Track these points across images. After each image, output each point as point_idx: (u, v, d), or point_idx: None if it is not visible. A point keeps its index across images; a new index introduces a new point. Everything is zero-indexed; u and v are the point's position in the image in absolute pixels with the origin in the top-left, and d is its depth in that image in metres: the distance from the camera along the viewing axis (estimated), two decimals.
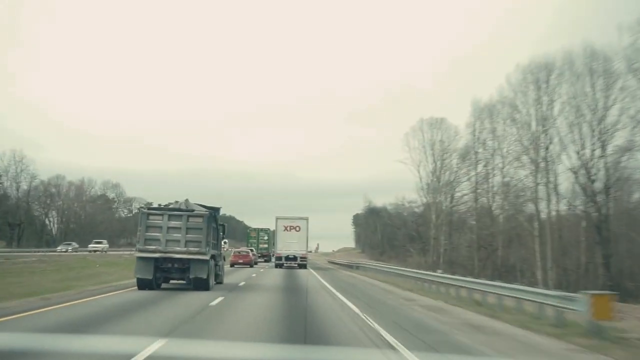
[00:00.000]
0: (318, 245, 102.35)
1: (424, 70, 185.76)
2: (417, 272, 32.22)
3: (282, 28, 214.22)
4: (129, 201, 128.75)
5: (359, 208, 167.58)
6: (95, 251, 67.06)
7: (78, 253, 60.43)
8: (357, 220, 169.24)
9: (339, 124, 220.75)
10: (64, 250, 64.61)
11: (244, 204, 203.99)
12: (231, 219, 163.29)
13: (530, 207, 50.97)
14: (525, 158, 49.81)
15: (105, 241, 77.05)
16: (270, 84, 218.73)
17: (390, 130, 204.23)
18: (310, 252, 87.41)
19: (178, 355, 8.99)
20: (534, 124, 49.03)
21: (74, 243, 72.26)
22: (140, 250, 22.05)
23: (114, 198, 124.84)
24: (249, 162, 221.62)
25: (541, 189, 47.98)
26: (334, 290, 24.22)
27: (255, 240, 75.19)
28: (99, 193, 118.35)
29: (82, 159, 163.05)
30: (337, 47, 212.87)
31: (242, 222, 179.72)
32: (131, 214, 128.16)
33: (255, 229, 77.93)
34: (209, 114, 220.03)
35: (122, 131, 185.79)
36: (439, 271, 35.47)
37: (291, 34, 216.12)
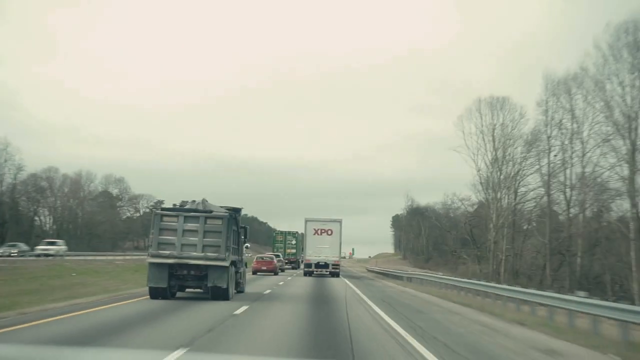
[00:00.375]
0: (353, 250, 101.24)
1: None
2: (481, 285, 26.70)
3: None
4: (135, 199, 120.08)
5: (400, 208, 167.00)
6: (47, 255, 51.19)
7: (26, 258, 48.82)
8: (397, 222, 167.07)
9: (381, 115, 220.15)
10: (5, 254, 51.32)
11: (268, 204, 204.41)
12: (253, 220, 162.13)
13: (620, 204, 44.38)
14: (615, 142, 43.32)
15: (61, 242, 60.19)
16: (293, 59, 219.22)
17: (440, 122, 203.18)
18: (344, 258, 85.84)
19: None
20: (628, 98, 42.48)
21: (21, 244, 57.50)
22: (153, 255, 21.27)
23: (117, 195, 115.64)
24: (274, 157, 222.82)
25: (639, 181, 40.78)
26: (375, 307, 21.06)
27: (282, 245, 74.33)
28: (99, 189, 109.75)
29: (79, 149, 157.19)
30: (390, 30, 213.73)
31: (265, 224, 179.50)
32: (138, 214, 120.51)
33: (282, 232, 77.04)
34: (228, 101, 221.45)
35: (128, 122, 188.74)
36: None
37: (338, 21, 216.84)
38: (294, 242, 76.50)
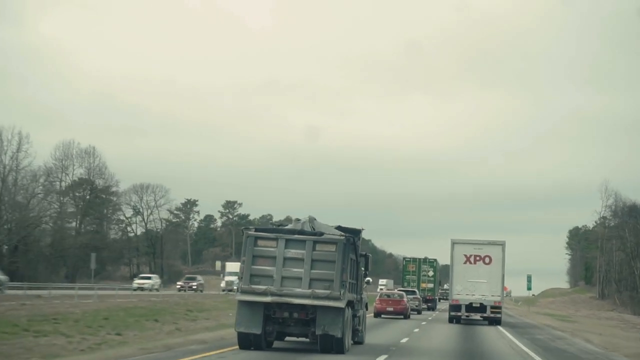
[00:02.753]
0: (508, 289, 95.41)
1: None
2: None
3: None
4: (126, 194, 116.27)
5: (582, 220, 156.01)
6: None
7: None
8: (580, 238, 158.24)
9: (541, 89, 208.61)
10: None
11: (382, 221, 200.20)
12: (364, 243, 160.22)
13: None
14: None
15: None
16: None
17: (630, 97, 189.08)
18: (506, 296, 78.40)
19: None
20: None
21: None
22: (244, 292, 20.10)
23: (95, 185, 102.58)
24: (391, 143, 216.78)
25: None
26: None
27: (415, 277, 69.78)
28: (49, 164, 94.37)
29: None
30: None
31: (369, 241, 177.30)
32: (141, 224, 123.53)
33: (414, 260, 72.20)
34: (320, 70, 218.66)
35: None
36: None
37: None
38: (431, 273, 71.90)
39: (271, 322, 20.55)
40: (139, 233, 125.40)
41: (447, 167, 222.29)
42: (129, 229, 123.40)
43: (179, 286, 75.98)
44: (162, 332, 26.93)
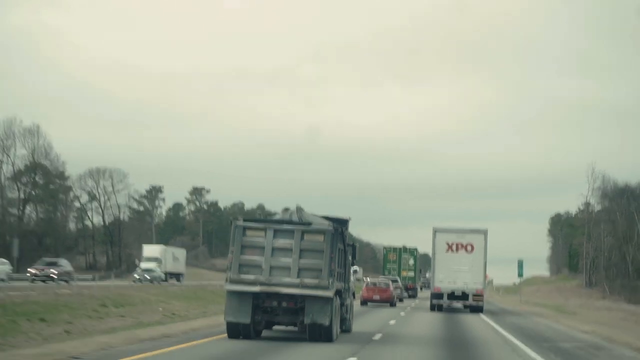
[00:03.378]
0: (489, 277, 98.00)
1: None
2: None
3: None
4: (81, 179, 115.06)
5: (564, 206, 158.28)
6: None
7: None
8: (562, 225, 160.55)
9: (524, 74, 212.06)
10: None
11: (359, 209, 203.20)
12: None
13: None
14: None
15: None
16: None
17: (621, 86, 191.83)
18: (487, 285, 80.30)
19: None
20: None
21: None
22: (233, 281, 21.28)
23: (48, 169, 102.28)
24: (367, 132, 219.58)
25: None
26: None
27: (396, 266, 73.19)
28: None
29: None
30: None
31: (356, 237, 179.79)
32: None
33: (395, 249, 75.89)
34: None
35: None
36: None
37: None
38: (411, 262, 75.11)
39: (260, 312, 21.69)
40: (95, 221, 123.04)
41: (425, 156, 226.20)
42: (84, 216, 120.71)
43: (29, 274, 53.30)
44: (40, 335, 22.20)
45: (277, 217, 22.49)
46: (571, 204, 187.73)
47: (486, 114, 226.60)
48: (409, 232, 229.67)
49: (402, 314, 42.54)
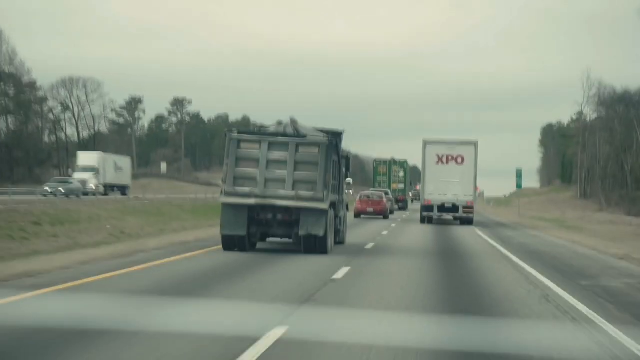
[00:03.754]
0: (480, 189, 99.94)
1: None
2: None
3: None
4: (54, 89, 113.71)
5: (557, 116, 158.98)
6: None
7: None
8: (555, 136, 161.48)
9: None
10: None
11: (347, 122, 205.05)
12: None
13: None
14: None
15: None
16: None
17: None
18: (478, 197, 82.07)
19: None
20: None
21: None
22: (228, 194, 21.98)
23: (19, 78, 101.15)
24: (358, 44, 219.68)
25: None
26: None
27: (386, 179, 75.44)
28: None
29: None
30: None
31: (344, 149, 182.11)
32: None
33: (385, 162, 77.95)
34: None
35: None
36: None
37: None
38: (401, 174, 77.29)
39: (255, 224, 22.50)
40: (70, 132, 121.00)
41: (412, 67, 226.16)
42: (57, 127, 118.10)
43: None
44: None
45: (272, 129, 23.03)
46: (564, 114, 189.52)
47: (475, 27, 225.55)
48: (397, 145, 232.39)
49: (394, 225, 43.93)
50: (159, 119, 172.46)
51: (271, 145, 22.05)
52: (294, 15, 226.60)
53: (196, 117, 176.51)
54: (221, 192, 22.48)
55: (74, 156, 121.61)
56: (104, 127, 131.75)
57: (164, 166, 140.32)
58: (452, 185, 46.41)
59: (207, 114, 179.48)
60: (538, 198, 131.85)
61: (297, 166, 21.93)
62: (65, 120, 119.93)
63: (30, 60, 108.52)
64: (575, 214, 76.91)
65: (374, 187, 72.53)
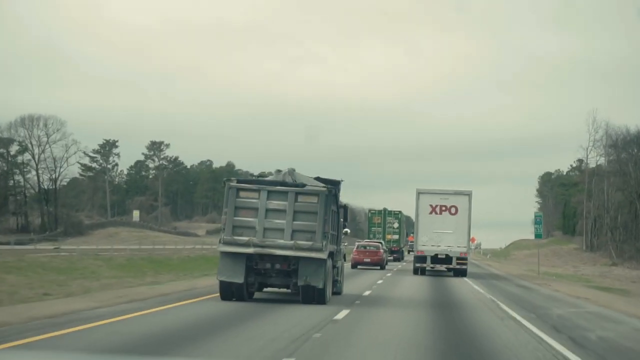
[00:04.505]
0: (475, 240, 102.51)
1: None
2: None
3: None
4: (12, 127, 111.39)
5: (555, 165, 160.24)
6: None
7: None
8: (548, 187, 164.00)
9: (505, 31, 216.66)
10: None
11: (340, 172, 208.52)
12: None
13: None
14: None
15: None
16: None
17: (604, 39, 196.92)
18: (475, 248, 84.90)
19: None
20: None
21: None
22: (227, 243, 23.45)
23: None
24: (344, 95, 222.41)
25: None
26: None
27: (380, 229, 79.17)
28: None
29: None
30: None
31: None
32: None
33: (379, 212, 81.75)
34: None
35: None
36: None
37: None
38: (396, 225, 79.92)
39: (253, 273, 23.96)
40: (30, 176, 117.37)
41: (406, 117, 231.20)
42: (15, 170, 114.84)
43: None
44: None
45: (270, 178, 24.64)
46: (562, 164, 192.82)
47: (468, 73, 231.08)
48: (389, 195, 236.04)
49: (386, 276, 46.32)
50: (139, 165, 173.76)
51: (270, 194, 23.56)
52: (284, 64, 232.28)
53: (177, 163, 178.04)
54: (220, 241, 23.96)
55: (36, 202, 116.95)
56: (71, 172, 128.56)
57: (136, 214, 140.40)
58: (446, 236, 48.59)
59: (190, 161, 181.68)
60: (540, 250, 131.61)
61: (296, 215, 23.39)
62: (23, 162, 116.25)
63: None
64: (591, 269, 75.27)
65: (368, 237, 75.49)
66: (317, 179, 25.57)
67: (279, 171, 24.94)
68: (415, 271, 50.15)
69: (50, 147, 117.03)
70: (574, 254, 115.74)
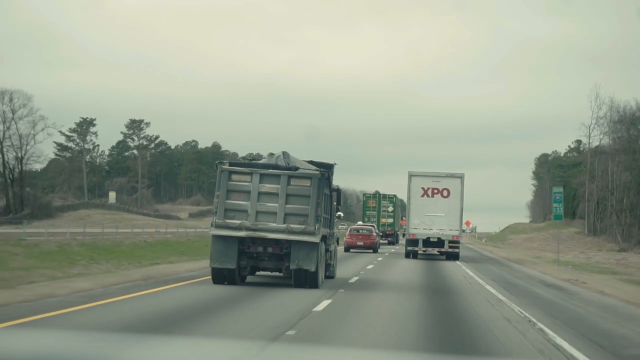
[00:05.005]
0: (471, 224, 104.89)
1: None
2: None
3: None
4: None
5: (551, 147, 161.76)
6: None
7: None
8: (545, 169, 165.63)
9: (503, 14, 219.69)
10: None
11: (333, 155, 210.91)
12: None
13: None
14: None
15: None
16: None
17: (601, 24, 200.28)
18: (464, 232, 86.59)
19: None
20: None
21: None
22: (219, 226, 24.50)
23: None
24: (339, 79, 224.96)
25: None
26: None
27: (375, 213, 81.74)
28: None
29: None
30: None
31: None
32: None
33: (374, 196, 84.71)
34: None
35: None
36: None
37: None
38: (390, 209, 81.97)
39: (245, 257, 25.07)
40: None
41: (400, 100, 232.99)
42: None
43: None
44: None
45: (263, 161, 25.69)
46: (556, 145, 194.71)
47: (462, 56, 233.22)
48: (382, 178, 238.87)
49: (377, 260, 47.81)
50: (120, 145, 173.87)
51: (263, 178, 24.63)
52: (277, 46, 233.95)
53: (160, 144, 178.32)
54: (211, 224, 25.04)
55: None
56: (43, 151, 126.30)
57: (112, 195, 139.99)
58: (438, 219, 50.31)
59: (174, 142, 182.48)
60: (538, 234, 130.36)
61: (288, 199, 24.47)
62: None
63: None
64: (603, 256, 73.81)
65: (363, 221, 78.12)
66: (311, 162, 26.58)
67: (271, 154, 25.95)
68: (407, 255, 51.89)
69: (15, 123, 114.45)
70: (576, 239, 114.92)
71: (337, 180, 29.90)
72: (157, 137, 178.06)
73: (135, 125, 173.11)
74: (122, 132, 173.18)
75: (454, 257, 50.77)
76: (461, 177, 51.61)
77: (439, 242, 50.67)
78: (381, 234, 75.24)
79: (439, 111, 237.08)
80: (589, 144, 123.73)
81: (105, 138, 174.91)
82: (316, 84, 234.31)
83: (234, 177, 24.93)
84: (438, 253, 51.45)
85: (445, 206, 50.62)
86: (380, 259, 49.14)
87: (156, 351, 8.00)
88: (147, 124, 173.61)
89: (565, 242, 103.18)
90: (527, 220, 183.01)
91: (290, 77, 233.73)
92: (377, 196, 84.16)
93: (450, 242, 50.56)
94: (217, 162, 25.59)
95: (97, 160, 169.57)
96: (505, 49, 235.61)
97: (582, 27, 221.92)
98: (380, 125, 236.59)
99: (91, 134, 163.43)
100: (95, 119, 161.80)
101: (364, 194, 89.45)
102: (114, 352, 6.86)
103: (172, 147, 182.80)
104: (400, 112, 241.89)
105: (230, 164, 25.58)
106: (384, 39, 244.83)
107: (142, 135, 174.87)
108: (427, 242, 50.85)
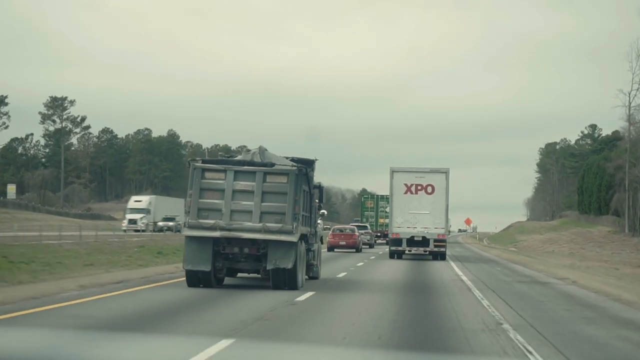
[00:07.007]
0: (472, 223, 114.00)
1: None
2: None
3: None
4: None
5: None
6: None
7: None
8: (552, 159, 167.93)
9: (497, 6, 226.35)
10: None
11: (316, 152, 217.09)
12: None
13: None
14: None
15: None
16: None
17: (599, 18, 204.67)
18: (464, 231, 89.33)
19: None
20: None
21: None
22: (192, 227, 28.05)
23: None
24: (336, 72, 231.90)
25: None
26: None
27: (373, 214, 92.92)
28: None
29: None
30: None
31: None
32: None
33: (372, 197, 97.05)
34: None
35: None
36: None
37: None
38: (388, 209, 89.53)
39: (221, 258, 28.62)
40: None
41: (389, 96, 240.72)
42: None
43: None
44: None
45: (239, 158, 29.25)
46: (559, 136, 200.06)
47: (453, 51, 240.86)
48: (368, 177, 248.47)
49: (370, 259, 54.20)
50: (58, 133, 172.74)
51: (237, 175, 28.21)
52: (264, 42, 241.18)
53: (106, 131, 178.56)
54: (184, 225, 28.73)
55: None
56: None
57: (11, 189, 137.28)
58: (422, 217, 55.59)
59: (123, 131, 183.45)
60: (557, 235, 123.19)
61: (264, 197, 28.04)
62: None
63: None
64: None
65: (361, 221, 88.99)
66: (290, 158, 30.24)
67: (247, 150, 29.62)
68: (392, 255, 57.22)
69: None
70: (616, 240, 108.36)
71: (321, 178, 33.93)
72: (83, 119, 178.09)
73: (57, 104, 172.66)
74: (39, 112, 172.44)
75: (440, 256, 55.70)
76: (446, 172, 56.65)
77: (424, 242, 55.75)
78: (379, 233, 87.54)
79: (426, 108, 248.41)
80: (630, 116, 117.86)
81: (19, 119, 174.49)
82: (300, 79, 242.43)
83: (207, 174, 28.45)
84: (424, 253, 56.53)
85: (429, 203, 55.72)
86: (372, 257, 56.01)
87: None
88: (72, 102, 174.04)
89: (608, 245, 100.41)
90: (524, 219, 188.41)
91: (266, 71, 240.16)
92: (375, 197, 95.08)
93: (435, 240, 55.48)
94: (190, 159, 28.87)
95: (31, 151, 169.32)
96: (499, 42, 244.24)
97: (579, 20, 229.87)
98: (364, 122, 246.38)
99: (2, 115, 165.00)
100: (7, 96, 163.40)
101: (363, 195, 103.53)
102: None
103: (122, 136, 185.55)
104: (392, 110, 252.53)
105: (203, 161, 29.11)
106: (370, 34, 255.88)
107: (65, 117, 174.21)
108: (411, 242, 55.98)
